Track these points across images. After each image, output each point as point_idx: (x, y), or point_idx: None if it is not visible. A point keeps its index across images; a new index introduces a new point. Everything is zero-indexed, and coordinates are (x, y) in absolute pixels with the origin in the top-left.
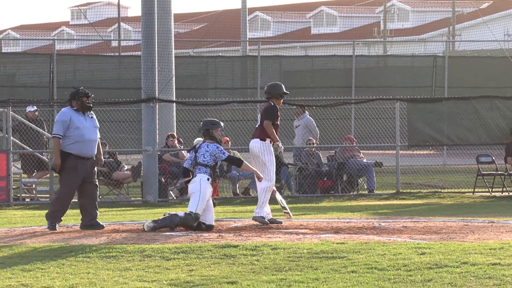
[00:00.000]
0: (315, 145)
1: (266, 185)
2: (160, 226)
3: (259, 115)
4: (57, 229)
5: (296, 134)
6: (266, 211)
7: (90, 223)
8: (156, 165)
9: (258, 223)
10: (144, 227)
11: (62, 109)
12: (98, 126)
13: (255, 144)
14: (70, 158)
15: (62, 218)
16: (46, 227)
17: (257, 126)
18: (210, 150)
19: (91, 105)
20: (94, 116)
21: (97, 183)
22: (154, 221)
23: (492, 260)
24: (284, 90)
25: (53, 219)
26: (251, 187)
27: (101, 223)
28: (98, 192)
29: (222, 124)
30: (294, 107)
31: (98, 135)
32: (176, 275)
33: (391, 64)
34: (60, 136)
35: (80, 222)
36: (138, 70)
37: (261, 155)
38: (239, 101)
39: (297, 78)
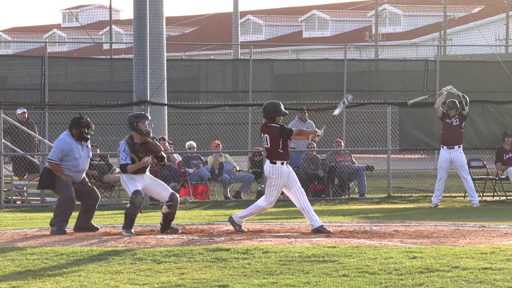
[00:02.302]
0: (315, 148)
1: (263, 204)
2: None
3: (265, 136)
4: (66, 232)
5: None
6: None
7: (85, 226)
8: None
9: (230, 224)
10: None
11: (62, 135)
12: (91, 155)
13: (266, 166)
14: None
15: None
16: (50, 230)
17: (266, 147)
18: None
19: (89, 136)
20: (90, 145)
21: (93, 187)
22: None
23: (483, 265)
24: (279, 112)
25: (60, 222)
26: (243, 190)
27: (95, 226)
28: (99, 196)
29: (148, 116)
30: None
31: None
32: (167, 278)
33: (382, 68)
34: (57, 162)
35: (75, 223)
36: (129, 73)
37: (269, 178)
38: (230, 104)
39: (288, 81)
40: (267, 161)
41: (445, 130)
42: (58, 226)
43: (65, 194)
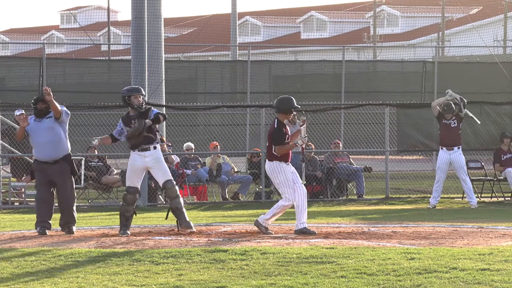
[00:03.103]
0: (313, 150)
1: (284, 203)
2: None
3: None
4: (47, 233)
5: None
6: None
7: (63, 223)
8: None
9: (258, 229)
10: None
11: None
12: (60, 125)
13: (267, 166)
14: (35, 162)
15: (50, 222)
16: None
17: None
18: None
19: (41, 110)
20: (58, 116)
21: (68, 185)
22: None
23: (481, 266)
24: (293, 105)
25: (38, 224)
26: (241, 191)
27: (73, 229)
28: (72, 195)
29: (142, 90)
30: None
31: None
32: (166, 280)
33: (380, 69)
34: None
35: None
36: (127, 74)
37: (273, 177)
38: (228, 105)
39: (286, 83)
40: (267, 160)
41: (443, 131)
42: (39, 228)
43: (37, 194)
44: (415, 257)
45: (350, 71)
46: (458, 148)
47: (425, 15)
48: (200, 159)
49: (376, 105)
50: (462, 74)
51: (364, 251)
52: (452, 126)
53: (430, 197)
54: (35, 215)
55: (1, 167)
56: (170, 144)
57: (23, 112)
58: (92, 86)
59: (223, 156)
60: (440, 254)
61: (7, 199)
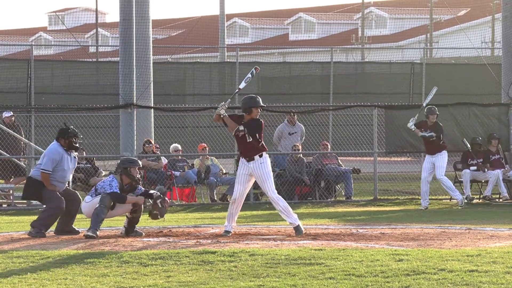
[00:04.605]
0: (300, 151)
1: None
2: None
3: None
4: (45, 235)
5: (289, 141)
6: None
7: (66, 229)
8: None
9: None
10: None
11: (52, 145)
12: (76, 166)
13: (262, 161)
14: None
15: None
16: (28, 233)
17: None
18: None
19: (78, 145)
20: (76, 156)
21: (75, 190)
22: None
23: (469, 267)
24: (250, 105)
25: (41, 226)
26: (229, 193)
27: (76, 229)
28: (81, 200)
29: (140, 163)
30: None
31: None
32: (154, 281)
33: (369, 70)
34: (50, 172)
35: (55, 227)
36: (116, 76)
37: (269, 171)
38: (217, 107)
39: (275, 84)
40: (258, 157)
41: (425, 142)
42: (38, 230)
43: (56, 204)
44: (403, 258)
45: (338, 73)
46: (440, 152)
47: (413, 16)
48: (187, 160)
49: (364, 107)
50: (450, 76)
51: (352, 252)
52: (431, 139)
53: (418, 198)
54: (22, 217)
55: None
56: (158, 146)
57: (12, 114)
58: (80, 87)
59: (212, 157)
60: (428, 255)
61: None
